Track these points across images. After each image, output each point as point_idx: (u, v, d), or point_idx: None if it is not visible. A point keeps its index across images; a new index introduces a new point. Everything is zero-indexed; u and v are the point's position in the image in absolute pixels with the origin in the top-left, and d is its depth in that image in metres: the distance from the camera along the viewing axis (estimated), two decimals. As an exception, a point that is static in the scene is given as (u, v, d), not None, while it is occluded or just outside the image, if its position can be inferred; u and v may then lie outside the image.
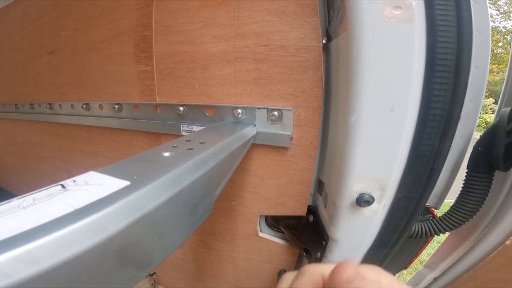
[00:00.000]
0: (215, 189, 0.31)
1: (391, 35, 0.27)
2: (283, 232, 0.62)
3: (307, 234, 0.55)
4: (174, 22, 0.49)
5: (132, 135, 0.66)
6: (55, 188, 0.19)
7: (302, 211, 0.55)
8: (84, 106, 0.67)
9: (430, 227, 0.47)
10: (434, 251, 0.66)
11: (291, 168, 0.50)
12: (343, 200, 0.39)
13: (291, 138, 0.46)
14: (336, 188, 0.40)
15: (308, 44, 0.41)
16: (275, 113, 0.45)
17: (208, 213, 0.30)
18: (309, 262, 0.56)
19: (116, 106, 0.61)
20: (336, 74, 0.40)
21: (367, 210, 0.39)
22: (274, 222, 0.64)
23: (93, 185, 0.20)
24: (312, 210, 0.56)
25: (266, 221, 0.65)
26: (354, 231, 0.42)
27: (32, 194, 0.19)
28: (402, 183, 0.37)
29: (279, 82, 0.44)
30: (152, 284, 1.06)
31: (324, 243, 0.48)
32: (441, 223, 0.46)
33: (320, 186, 0.54)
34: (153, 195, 0.20)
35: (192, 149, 0.30)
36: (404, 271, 0.67)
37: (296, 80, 0.43)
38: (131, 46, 0.55)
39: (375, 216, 0.39)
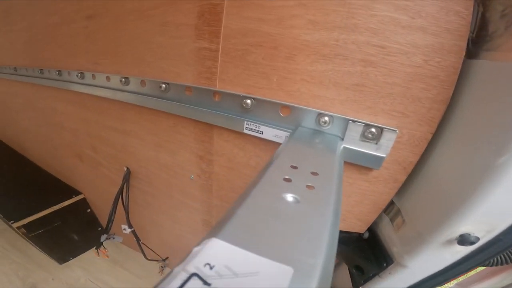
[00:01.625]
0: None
1: None
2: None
3: (361, 252, 0.51)
4: (256, -9, 0.39)
5: (176, 120, 0.57)
6: (193, 284, 0.12)
7: (362, 229, 0.50)
8: (123, 80, 0.58)
9: (507, 257, 0.44)
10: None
11: (368, 189, 0.43)
12: (439, 237, 0.36)
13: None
14: (432, 224, 0.37)
15: (443, 57, 0.31)
16: (373, 130, 0.37)
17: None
18: (357, 279, 0.52)
19: (164, 85, 0.52)
20: (474, 100, 0.33)
21: (460, 247, 0.36)
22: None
23: (245, 276, 0.12)
24: (369, 227, 0.51)
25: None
26: (432, 262, 0.41)
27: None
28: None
29: (388, 95, 0.35)
30: (161, 267, 1.05)
31: (384, 264, 0.47)
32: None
33: (389, 206, 0.48)
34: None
35: (313, 187, 0.23)
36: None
37: (412, 97, 0.34)
38: (193, 16, 0.44)
39: (463, 251, 0.38)
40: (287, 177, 0.24)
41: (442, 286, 0.63)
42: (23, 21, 0.79)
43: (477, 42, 0.33)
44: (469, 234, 0.34)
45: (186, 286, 0.11)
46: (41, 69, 0.79)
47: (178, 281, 0.11)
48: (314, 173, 0.25)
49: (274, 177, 0.24)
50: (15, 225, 0.92)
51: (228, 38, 0.43)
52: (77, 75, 0.67)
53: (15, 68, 0.94)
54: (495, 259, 0.43)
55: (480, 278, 0.66)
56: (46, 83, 0.79)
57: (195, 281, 0.12)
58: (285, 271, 0.13)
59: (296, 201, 0.21)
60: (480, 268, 0.64)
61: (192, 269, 0.12)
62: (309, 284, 0.13)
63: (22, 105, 1.08)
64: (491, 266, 0.44)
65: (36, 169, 1.31)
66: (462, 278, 0.70)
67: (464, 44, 0.31)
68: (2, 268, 1.06)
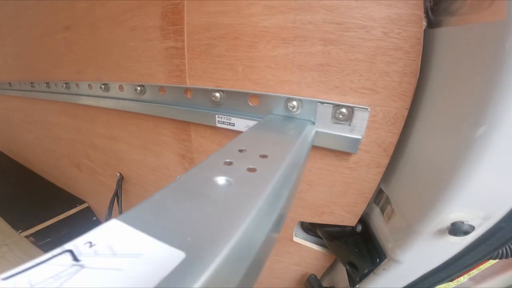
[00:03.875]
0: (280, 229, 0.23)
1: None
2: (319, 237, 0.55)
3: (354, 247, 0.48)
4: (212, -14, 0.39)
5: (156, 121, 0.58)
6: (62, 260, 0.11)
7: (352, 222, 0.47)
8: (103, 86, 0.59)
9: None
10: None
11: (351, 177, 0.42)
12: (428, 226, 0.32)
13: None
14: (419, 212, 0.33)
15: (403, 28, 0.30)
16: (343, 110, 0.35)
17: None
18: (353, 277, 0.49)
19: (139, 87, 0.53)
20: (444, 71, 0.31)
21: (455, 238, 0.32)
22: (311, 226, 0.57)
23: (125, 256, 0.12)
24: (362, 219, 0.48)
25: (302, 224, 0.58)
26: (427, 256, 0.37)
27: (27, 270, 0.11)
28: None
29: (354, 72, 0.34)
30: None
31: (378, 260, 0.43)
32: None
33: (378, 195, 0.45)
34: (224, 279, 0.12)
35: (255, 170, 0.22)
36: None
37: (379, 71, 0.33)
38: (158, 17, 0.45)
39: (460, 243, 0.33)
40: (228, 160, 0.23)
41: (453, 281, 0.60)
42: (12, 34, 0.82)
43: (435, 10, 0.32)
44: (462, 222, 0.30)
45: (53, 260, 0.11)
46: (32, 82, 0.82)
47: (48, 255, 0.11)
48: (263, 156, 0.24)
49: (216, 161, 0.23)
50: (23, 234, 0.97)
51: (192, 34, 0.43)
52: (62, 86, 0.69)
53: (9, 83, 0.98)
54: (503, 250, 0.38)
55: (496, 272, 0.62)
56: (38, 96, 0.82)
57: (65, 257, 0.11)
58: (175, 256, 0.12)
59: (229, 184, 0.20)
60: (493, 262, 0.60)
61: (69, 246, 0.12)
62: (198, 273, 0.11)
63: (21, 120, 1.12)
64: (501, 258, 0.39)
65: (41, 181, 1.35)
66: (474, 272, 0.66)
67: (421, 12, 0.30)
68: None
